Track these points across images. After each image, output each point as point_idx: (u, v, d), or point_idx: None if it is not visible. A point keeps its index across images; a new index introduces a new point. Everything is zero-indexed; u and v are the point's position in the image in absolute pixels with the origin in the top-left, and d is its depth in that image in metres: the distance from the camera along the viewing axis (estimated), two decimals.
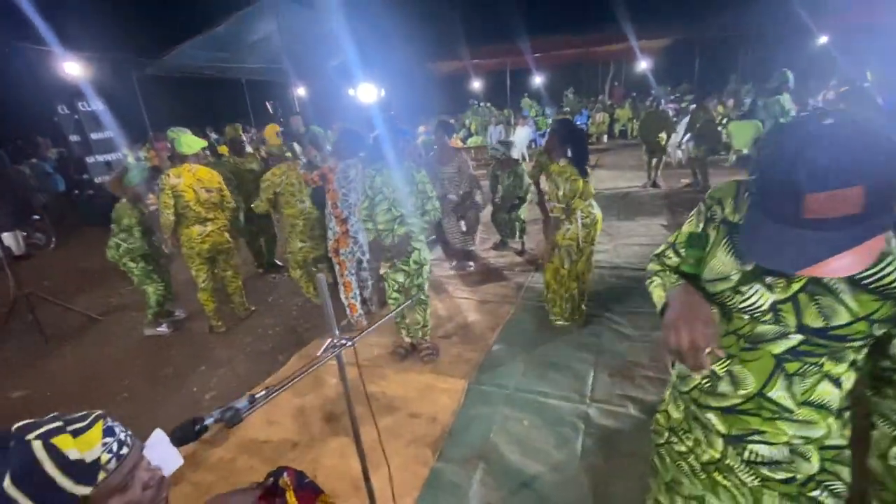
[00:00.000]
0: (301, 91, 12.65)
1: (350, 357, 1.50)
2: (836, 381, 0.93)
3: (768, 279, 0.91)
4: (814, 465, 0.98)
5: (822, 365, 0.90)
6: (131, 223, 3.59)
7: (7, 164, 3.71)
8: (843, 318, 0.84)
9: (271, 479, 1.45)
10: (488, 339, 3.40)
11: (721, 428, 1.05)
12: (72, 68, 6.20)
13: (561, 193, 3.09)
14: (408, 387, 2.92)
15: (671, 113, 9.18)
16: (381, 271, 3.06)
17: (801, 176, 0.68)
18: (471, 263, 4.78)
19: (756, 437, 1.01)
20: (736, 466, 1.05)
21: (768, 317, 0.92)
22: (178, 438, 0.98)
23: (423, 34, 15.42)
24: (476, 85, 16.91)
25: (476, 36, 16.57)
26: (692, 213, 1.11)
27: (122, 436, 0.75)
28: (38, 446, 0.66)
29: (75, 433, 0.69)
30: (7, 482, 0.63)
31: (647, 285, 1.15)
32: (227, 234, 3.83)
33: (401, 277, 3.00)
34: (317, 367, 1.37)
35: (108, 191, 7.52)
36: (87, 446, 0.69)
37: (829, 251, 0.70)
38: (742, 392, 0.99)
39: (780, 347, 0.92)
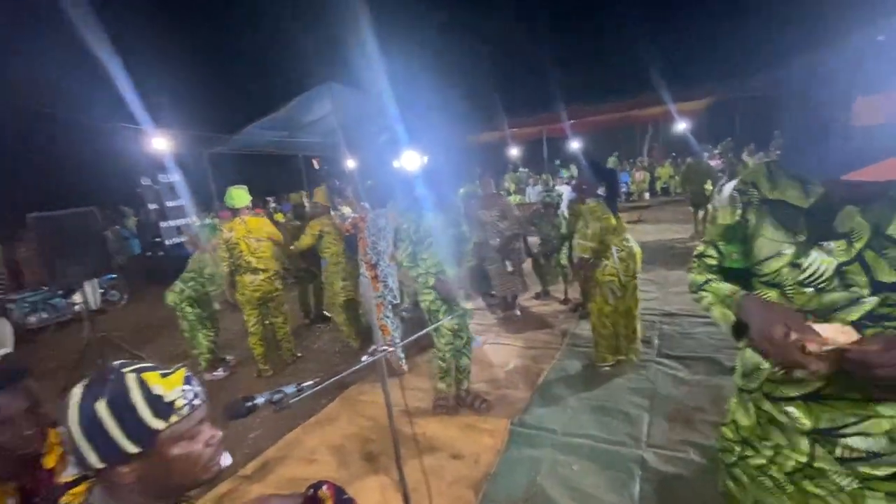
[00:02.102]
0: (351, 163, 13.72)
1: (395, 399, 1.51)
2: None
3: (827, 244, 0.86)
4: None
5: None
6: (213, 271, 3.91)
7: (98, 222, 4.18)
8: None
9: (311, 490, 1.44)
10: (534, 382, 3.27)
11: (805, 422, 0.92)
12: (158, 143, 7.14)
13: (590, 232, 3.08)
14: (449, 426, 2.83)
15: (717, 167, 9.07)
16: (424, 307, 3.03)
17: (852, 80, 0.70)
18: (518, 312, 4.72)
19: (849, 429, 0.87)
20: (828, 469, 0.91)
21: (834, 284, 0.86)
22: (230, 413, 1.04)
23: (464, 109, 16.54)
24: (514, 152, 17.61)
25: (514, 107, 17.54)
26: (724, 205, 1.09)
27: (197, 389, 0.83)
28: (130, 377, 0.76)
29: (163, 374, 0.79)
30: (101, 403, 0.72)
31: (698, 300, 1.09)
32: (277, 283, 4.06)
33: (456, 320, 2.91)
34: (360, 368, 1.40)
35: (177, 252, 8.23)
36: (170, 386, 0.77)
37: (877, 155, 0.69)
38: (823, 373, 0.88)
39: (855, 314, 0.85)
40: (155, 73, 11.71)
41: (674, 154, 15.86)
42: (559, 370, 3.43)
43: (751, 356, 1.03)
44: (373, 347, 1.50)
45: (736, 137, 15.30)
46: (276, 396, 1.10)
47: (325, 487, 1.46)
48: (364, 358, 1.47)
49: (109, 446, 0.72)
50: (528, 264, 5.36)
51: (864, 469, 0.87)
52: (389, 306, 3.71)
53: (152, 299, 7.99)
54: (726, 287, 1.00)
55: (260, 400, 1.06)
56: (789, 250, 0.91)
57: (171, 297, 3.98)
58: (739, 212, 1.04)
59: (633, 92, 15.13)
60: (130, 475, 0.75)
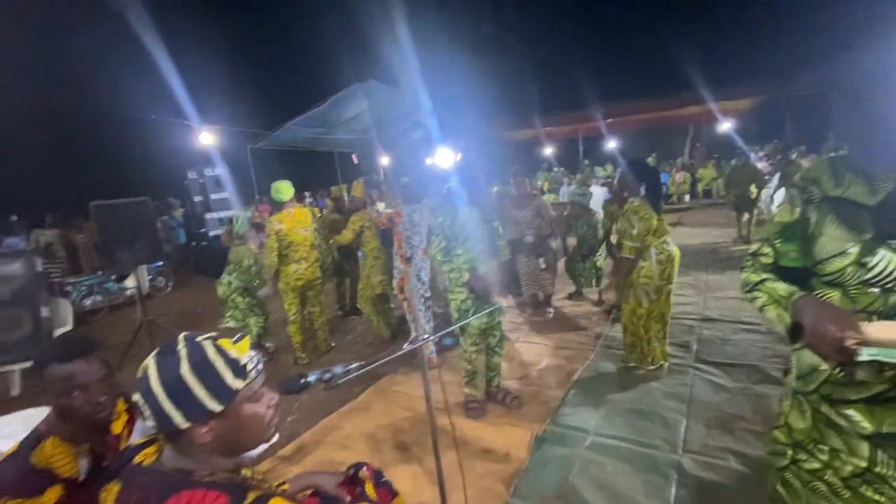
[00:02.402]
0: (384, 160, 13.93)
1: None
2: None
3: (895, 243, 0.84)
4: None
5: None
6: (250, 263, 4.09)
7: (151, 211, 4.44)
8: None
9: (352, 470, 1.49)
10: (566, 382, 3.24)
11: (867, 425, 0.89)
12: (205, 138, 7.48)
13: (635, 232, 3.02)
14: (480, 422, 2.85)
15: (763, 169, 8.68)
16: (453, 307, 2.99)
17: None
18: (551, 310, 4.69)
19: None
20: (890, 474, 0.88)
21: None
22: (285, 388, 1.10)
23: (498, 107, 16.45)
24: (548, 151, 17.38)
25: (550, 105, 17.30)
26: (781, 202, 1.06)
27: (259, 355, 0.91)
28: (208, 344, 0.85)
29: (234, 341, 0.88)
30: (185, 368, 0.80)
31: (751, 300, 1.07)
32: (318, 271, 4.18)
33: (484, 319, 2.89)
34: (401, 354, 1.44)
35: (220, 244, 8.59)
36: (242, 351, 0.87)
37: None
38: (889, 374, 0.85)
39: None
40: (202, 72, 12.25)
41: (717, 155, 15.25)
42: (592, 371, 3.38)
43: (808, 358, 1.00)
44: (413, 335, 1.54)
45: (785, 139, 14.57)
46: (327, 375, 1.15)
47: (364, 469, 1.52)
48: (406, 345, 1.51)
49: (195, 406, 0.80)
50: (562, 264, 5.30)
51: None
52: (422, 300, 3.76)
53: (195, 287, 8.39)
54: (782, 287, 0.97)
55: (312, 377, 1.11)
56: (854, 249, 0.89)
57: (221, 290, 4.19)
58: (799, 209, 1.01)
59: (675, 90, 14.59)
60: (208, 434, 0.82)
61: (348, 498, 1.36)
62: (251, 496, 0.80)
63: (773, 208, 8.35)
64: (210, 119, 8.56)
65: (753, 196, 7.04)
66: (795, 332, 0.91)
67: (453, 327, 1.93)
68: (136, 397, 0.83)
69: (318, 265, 4.18)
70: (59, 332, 4.11)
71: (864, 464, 0.89)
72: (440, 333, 1.60)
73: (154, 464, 0.88)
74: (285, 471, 2.54)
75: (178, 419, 0.80)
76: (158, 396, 0.79)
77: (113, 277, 7.07)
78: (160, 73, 8.39)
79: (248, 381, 0.85)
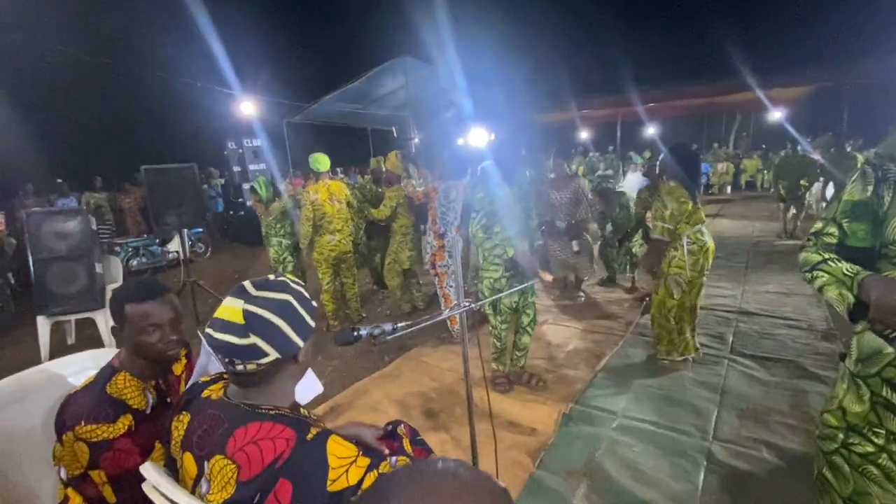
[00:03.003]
0: (417, 137, 13.91)
1: (455, 364, 1.56)
2: None
3: None
4: None
5: None
6: (292, 220, 4.28)
7: (197, 177, 4.61)
8: None
9: (390, 426, 1.55)
10: (595, 364, 3.24)
11: None
12: (247, 108, 7.63)
13: (668, 213, 2.92)
14: (506, 397, 2.89)
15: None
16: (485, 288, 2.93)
17: None
18: (581, 295, 4.65)
19: None
20: None
21: None
22: (341, 340, 1.16)
23: (533, 88, 16.07)
24: (584, 135, 16.91)
25: (588, 87, 16.76)
26: (852, 179, 1.02)
27: None
28: (296, 285, 0.96)
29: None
30: (290, 298, 0.91)
31: (810, 280, 1.03)
32: (350, 245, 4.27)
33: (515, 297, 2.87)
34: (440, 318, 1.47)
35: (255, 213, 8.84)
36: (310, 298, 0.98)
37: None
38: None
39: None
40: (244, 43, 12.42)
41: (764, 146, 14.51)
42: (622, 356, 3.36)
43: (871, 341, 0.97)
44: (455, 301, 1.57)
45: (841, 130, 13.68)
46: (377, 331, 1.20)
47: (402, 426, 1.58)
48: (448, 310, 1.55)
49: (304, 325, 0.91)
50: (596, 249, 5.23)
51: None
52: (454, 276, 3.80)
53: (231, 254, 8.71)
54: (847, 266, 0.95)
55: (364, 332, 1.17)
56: None
57: (272, 252, 4.40)
58: (871, 187, 0.97)
59: (721, 75, 13.83)
60: (307, 353, 0.94)
61: (387, 451, 1.42)
62: (313, 431, 0.86)
63: (824, 204, 7.95)
64: (250, 90, 8.74)
65: (803, 189, 6.70)
66: (858, 312, 0.89)
67: (486, 300, 1.95)
68: (251, 339, 0.86)
69: (350, 239, 4.26)
70: (110, 287, 4.35)
71: None
72: (479, 303, 1.62)
73: (221, 398, 0.95)
74: None
75: (298, 341, 0.90)
76: (280, 326, 0.88)
77: (157, 241, 7.41)
78: (204, 42, 8.57)
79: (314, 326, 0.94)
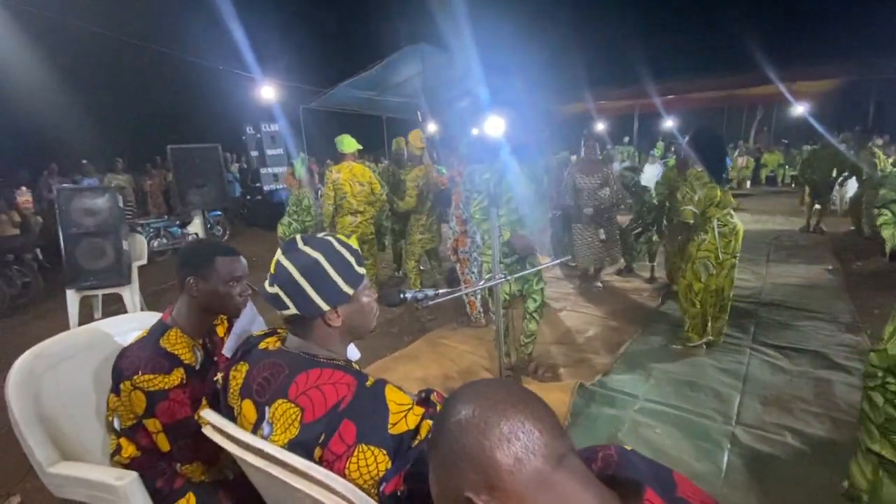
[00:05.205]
0: (431, 127, 13.85)
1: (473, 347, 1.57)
2: None
3: None
4: None
5: None
6: (309, 203, 4.30)
7: (220, 158, 4.66)
8: None
9: (423, 393, 1.59)
10: (615, 350, 3.25)
11: None
12: (267, 92, 7.67)
13: (696, 197, 2.90)
14: (524, 380, 2.91)
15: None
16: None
17: None
18: (599, 283, 4.64)
19: None
20: None
21: None
22: (388, 300, 1.19)
23: (549, 78, 15.88)
24: (600, 126, 16.69)
25: (605, 79, 16.52)
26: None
27: None
28: (332, 240, 0.97)
29: (347, 236, 1.00)
30: (320, 257, 0.92)
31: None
32: (371, 227, 4.31)
33: (518, 284, 2.74)
34: (474, 290, 1.49)
35: (273, 198, 8.92)
36: (355, 244, 1.01)
37: None
38: None
39: None
40: (262, 28, 12.45)
41: (786, 141, 14.19)
42: (642, 343, 3.37)
43: None
44: (488, 275, 1.59)
45: (867, 126, 13.32)
46: (420, 295, 1.23)
47: (434, 393, 1.62)
48: (481, 283, 1.57)
49: (333, 289, 0.91)
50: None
51: None
52: (476, 262, 3.81)
53: (248, 238, 8.81)
54: None
55: (409, 295, 1.21)
56: None
57: (280, 230, 4.43)
58: None
59: (743, 68, 13.51)
60: (338, 319, 0.92)
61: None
62: (371, 379, 0.89)
63: (846, 199, 7.78)
64: (270, 74, 8.80)
65: (840, 182, 6.56)
66: None
67: (484, 284, 1.88)
68: (275, 290, 0.92)
69: (371, 223, 4.29)
70: (136, 264, 4.45)
71: None
72: (479, 286, 1.64)
73: (280, 348, 0.98)
74: None
75: (320, 302, 0.91)
76: (301, 284, 0.90)
77: (177, 223, 7.54)
78: (225, 25, 8.62)
79: (364, 269, 0.97)
